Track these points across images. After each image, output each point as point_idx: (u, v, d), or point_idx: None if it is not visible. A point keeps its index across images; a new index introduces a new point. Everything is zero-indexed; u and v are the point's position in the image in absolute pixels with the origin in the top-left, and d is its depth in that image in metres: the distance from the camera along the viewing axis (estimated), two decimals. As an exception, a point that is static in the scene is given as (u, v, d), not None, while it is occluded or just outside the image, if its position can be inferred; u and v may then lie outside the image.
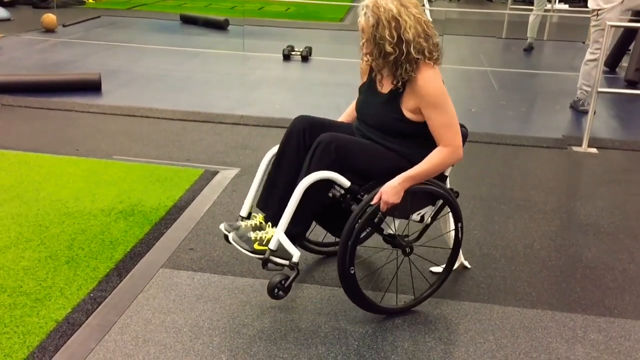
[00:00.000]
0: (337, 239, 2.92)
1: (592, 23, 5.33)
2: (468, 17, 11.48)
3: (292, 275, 2.32)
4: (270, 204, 2.44)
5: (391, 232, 2.57)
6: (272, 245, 2.29)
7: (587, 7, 5.56)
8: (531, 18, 8.40)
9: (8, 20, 9.28)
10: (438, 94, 2.30)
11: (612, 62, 7.19)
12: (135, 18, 10.29)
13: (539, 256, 3.06)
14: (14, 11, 9.96)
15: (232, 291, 2.65)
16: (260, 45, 8.31)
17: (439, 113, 2.31)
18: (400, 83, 2.32)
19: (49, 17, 8.58)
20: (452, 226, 2.71)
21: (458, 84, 6.60)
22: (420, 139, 2.40)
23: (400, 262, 2.77)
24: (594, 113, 4.76)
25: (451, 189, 2.56)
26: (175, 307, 2.52)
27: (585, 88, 5.52)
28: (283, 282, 2.30)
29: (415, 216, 2.54)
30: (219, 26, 9.44)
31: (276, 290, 2.30)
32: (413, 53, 2.25)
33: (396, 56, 2.26)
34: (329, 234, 2.82)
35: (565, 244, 3.20)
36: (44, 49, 7.52)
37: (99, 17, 10.06)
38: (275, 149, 2.53)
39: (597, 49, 5.28)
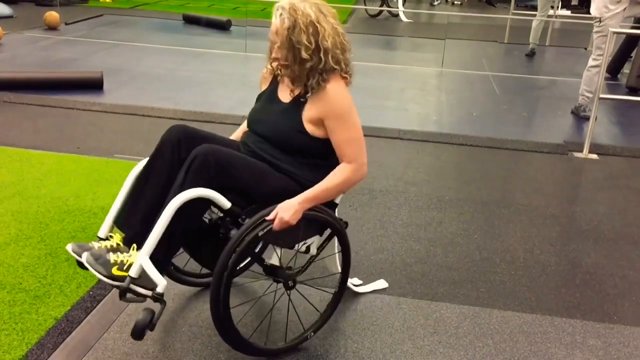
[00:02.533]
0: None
1: (595, 29, 5.34)
2: (470, 22, 11.50)
3: (159, 309, 1.97)
4: (132, 223, 2.09)
5: (274, 263, 2.27)
6: (134, 273, 1.93)
7: (588, 13, 5.57)
8: (534, 23, 8.41)
9: (11, 17, 9.28)
10: (345, 106, 2.13)
11: (614, 69, 7.20)
12: (138, 17, 10.30)
13: (538, 261, 3.06)
14: (17, 8, 9.96)
15: (232, 291, 2.64)
16: (263, 46, 8.22)
17: (344, 126, 2.13)
18: (309, 93, 2.13)
19: (52, 15, 8.59)
20: (339, 268, 2.50)
21: (460, 88, 6.61)
22: (314, 160, 2.20)
23: (278, 297, 2.49)
24: (595, 119, 4.77)
25: (340, 219, 2.33)
26: (174, 307, 2.51)
27: (586, 94, 5.53)
28: (152, 320, 1.93)
29: (301, 246, 2.28)
30: (222, 26, 9.44)
31: (146, 331, 1.94)
32: (331, 62, 2.09)
33: (312, 64, 2.08)
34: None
35: (565, 249, 3.20)
36: (47, 46, 7.52)
37: (101, 15, 10.07)
38: (144, 162, 2.18)
39: (599, 55, 5.29)
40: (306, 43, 2.05)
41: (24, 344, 2.23)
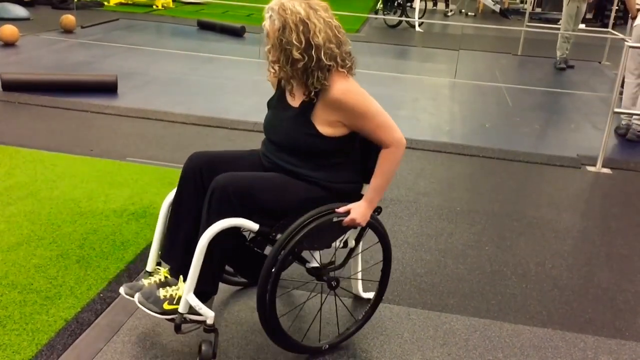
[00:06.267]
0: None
1: None
2: (484, 33, 11.48)
3: (214, 338, 2.12)
4: (174, 255, 2.21)
5: (315, 264, 2.29)
6: (182, 309, 2.07)
7: (604, 27, 5.56)
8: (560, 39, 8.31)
9: (27, 19, 9.38)
10: (362, 102, 2.11)
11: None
12: (153, 22, 10.37)
13: (550, 275, 3.04)
14: (33, 11, 10.06)
15: (242, 297, 2.64)
16: (276, 54, 8.31)
17: (369, 119, 2.12)
18: (313, 94, 2.11)
19: (68, 18, 8.66)
20: (360, 293, 2.59)
21: (472, 99, 6.60)
22: (332, 159, 2.20)
23: (325, 297, 2.52)
24: (609, 134, 4.73)
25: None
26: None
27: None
28: (214, 352, 2.11)
29: (338, 243, 2.32)
30: (236, 33, 9.49)
31: None
32: (324, 59, 2.04)
33: (305, 63, 2.04)
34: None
35: (577, 263, 3.18)
36: (62, 49, 7.59)
37: (117, 19, 10.15)
38: (173, 194, 2.27)
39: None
40: (296, 43, 2.02)
41: (34, 344, 2.24)
